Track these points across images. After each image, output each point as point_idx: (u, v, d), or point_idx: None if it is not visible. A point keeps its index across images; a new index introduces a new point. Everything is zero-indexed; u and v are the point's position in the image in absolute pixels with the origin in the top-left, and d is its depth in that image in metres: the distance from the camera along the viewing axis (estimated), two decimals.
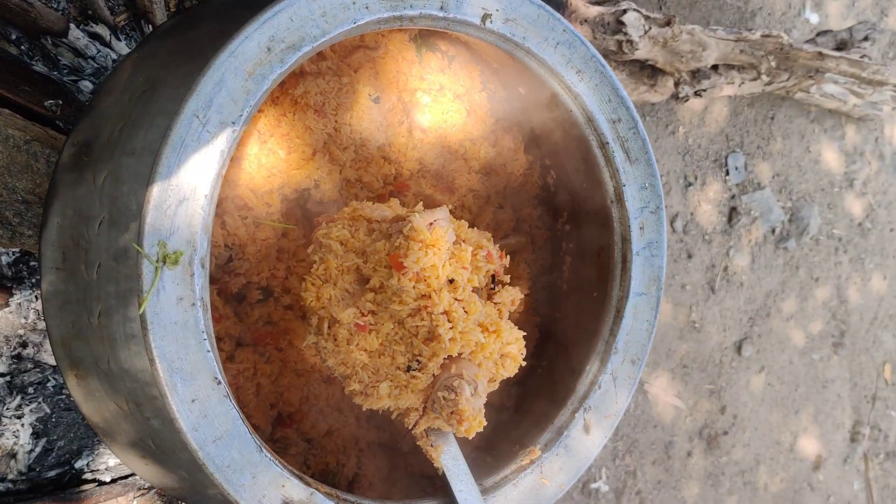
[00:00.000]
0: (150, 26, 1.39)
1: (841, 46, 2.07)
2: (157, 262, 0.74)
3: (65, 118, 1.29)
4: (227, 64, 0.76)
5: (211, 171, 0.76)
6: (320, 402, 1.15)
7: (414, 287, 0.92)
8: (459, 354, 0.95)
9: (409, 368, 0.95)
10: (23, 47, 1.29)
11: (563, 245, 1.24)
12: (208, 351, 0.77)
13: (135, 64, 0.97)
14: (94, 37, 1.35)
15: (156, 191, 0.74)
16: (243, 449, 0.79)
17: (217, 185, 0.77)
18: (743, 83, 2.00)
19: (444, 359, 0.94)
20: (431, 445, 0.98)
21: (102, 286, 0.87)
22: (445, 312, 0.93)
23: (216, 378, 0.78)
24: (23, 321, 1.29)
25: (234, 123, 0.77)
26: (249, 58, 0.77)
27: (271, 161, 1.04)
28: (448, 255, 0.95)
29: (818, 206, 2.55)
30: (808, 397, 2.61)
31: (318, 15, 0.80)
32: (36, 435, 1.31)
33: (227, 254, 1.04)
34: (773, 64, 1.92)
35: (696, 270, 2.32)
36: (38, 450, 1.31)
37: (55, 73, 1.31)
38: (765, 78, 1.96)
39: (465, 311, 0.94)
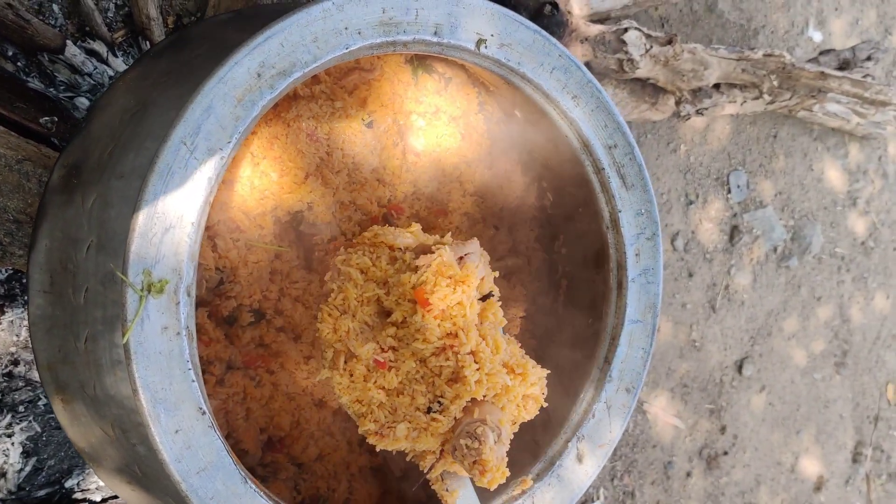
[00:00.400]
0: (148, 43, 1.39)
1: (844, 66, 2.06)
2: (142, 290, 0.73)
3: (60, 135, 1.28)
4: (216, 90, 0.75)
5: (198, 198, 0.75)
6: (311, 426, 1.14)
7: (439, 325, 0.87)
8: (483, 397, 0.89)
9: (429, 410, 0.90)
10: (19, 63, 1.29)
11: (560, 268, 1.22)
12: (193, 381, 0.76)
13: (127, 84, 0.96)
14: (91, 53, 1.34)
15: (141, 218, 0.73)
16: (228, 480, 0.78)
17: (204, 213, 0.76)
18: (745, 102, 1.99)
19: (468, 401, 0.89)
20: (447, 490, 0.93)
21: (89, 311, 0.86)
22: (472, 353, 0.88)
23: (201, 408, 0.76)
24: (14, 339, 1.28)
25: (222, 150, 0.76)
26: (239, 84, 0.76)
27: (264, 183, 1.03)
28: (477, 292, 0.90)
29: (821, 224, 2.54)
30: (810, 417, 2.58)
31: (309, 40, 0.79)
32: (26, 454, 1.29)
33: (217, 276, 1.03)
34: (775, 83, 1.91)
35: (697, 289, 2.30)
36: (27, 469, 1.30)
37: (51, 89, 1.30)
38: (767, 97, 1.95)
39: (493, 351, 0.90)
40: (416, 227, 0.98)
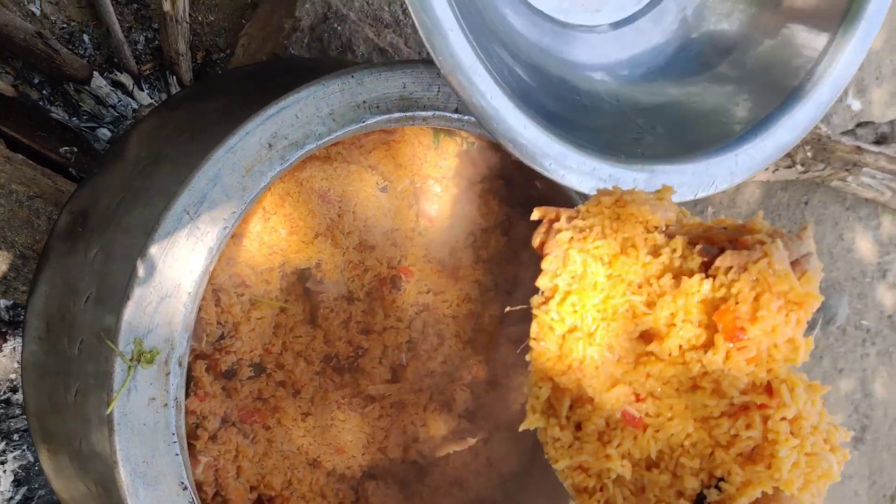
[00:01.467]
0: (175, 78, 1.39)
1: (881, 140, 2.02)
2: (131, 360, 0.71)
3: (78, 166, 1.28)
4: (225, 160, 0.73)
5: (197, 268, 0.73)
6: (303, 487, 1.10)
7: (750, 372, 0.57)
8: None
9: (700, 499, 0.59)
10: (44, 92, 1.29)
11: None
12: (177, 454, 0.73)
13: (142, 134, 0.95)
14: (117, 85, 1.34)
15: (137, 287, 0.71)
16: None
17: (203, 282, 0.74)
18: (777, 170, 1.95)
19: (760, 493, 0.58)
20: None
21: (82, 364, 0.84)
22: (791, 419, 0.57)
23: (182, 483, 0.74)
24: (15, 366, 1.27)
25: (226, 220, 0.74)
26: (248, 154, 0.74)
27: (273, 239, 1.01)
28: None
29: (848, 295, 2.47)
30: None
31: (325, 113, 0.77)
32: (17, 482, 1.28)
33: (219, 331, 1.01)
34: (809, 154, 1.86)
35: None
36: (17, 497, 1.28)
37: (74, 118, 1.30)
38: (800, 167, 1.91)
39: (818, 418, 0.59)
40: (668, 190, 0.64)
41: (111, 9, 1.33)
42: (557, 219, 0.66)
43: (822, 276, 0.61)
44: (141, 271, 0.70)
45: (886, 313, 2.57)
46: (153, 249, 0.71)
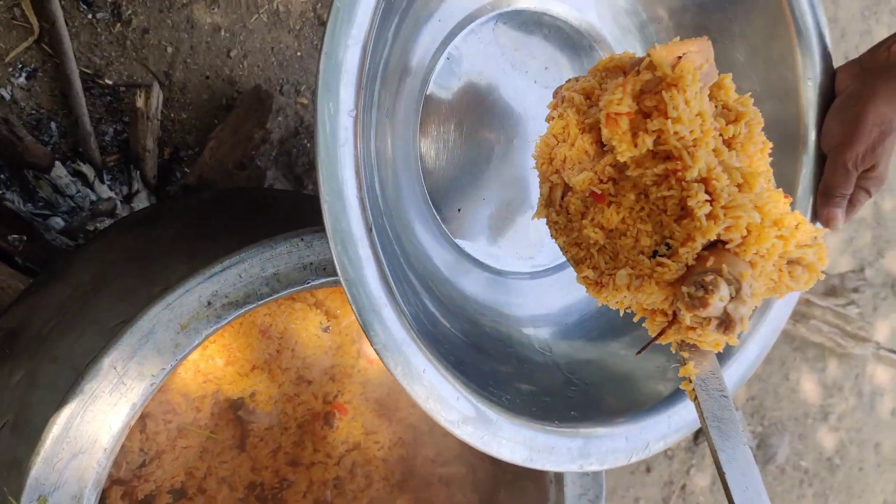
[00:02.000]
0: (139, 172, 1.38)
1: (830, 292, 2.07)
2: None
3: (25, 254, 1.26)
4: (161, 316, 0.72)
5: (117, 425, 0.71)
6: None
7: (654, 137, 0.70)
8: (724, 245, 0.68)
9: (654, 254, 0.73)
10: (2, 176, 1.27)
11: (502, 493, 1.17)
12: None
13: (87, 256, 0.94)
14: (78, 174, 1.33)
15: (49, 441, 0.69)
16: None
17: (121, 438, 0.72)
18: None
19: (703, 245, 0.68)
20: (684, 361, 0.74)
21: None
22: (703, 180, 0.69)
23: None
24: None
25: (154, 376, 0.72)
26: (186, 311, 0.73)
27: (209, 368, 0.99)
28: (703, 96, 0.71)
29: (789, 434, 2.49)
30: None
31: (269, 273, 0.77)
32: None
33: (141, 458, 0.98)
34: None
35: (653, 485, 2.24)
36: None
37: (29, 204, 1.28)
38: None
39: (733, 180, 0.69)
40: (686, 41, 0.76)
41: (83, 100, 1.33)
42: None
43: (708, 68, 0.73)
44: (56, 428, 0.68)
45: (825, 455, 2.60)
46: (72, 403, 0.69)
